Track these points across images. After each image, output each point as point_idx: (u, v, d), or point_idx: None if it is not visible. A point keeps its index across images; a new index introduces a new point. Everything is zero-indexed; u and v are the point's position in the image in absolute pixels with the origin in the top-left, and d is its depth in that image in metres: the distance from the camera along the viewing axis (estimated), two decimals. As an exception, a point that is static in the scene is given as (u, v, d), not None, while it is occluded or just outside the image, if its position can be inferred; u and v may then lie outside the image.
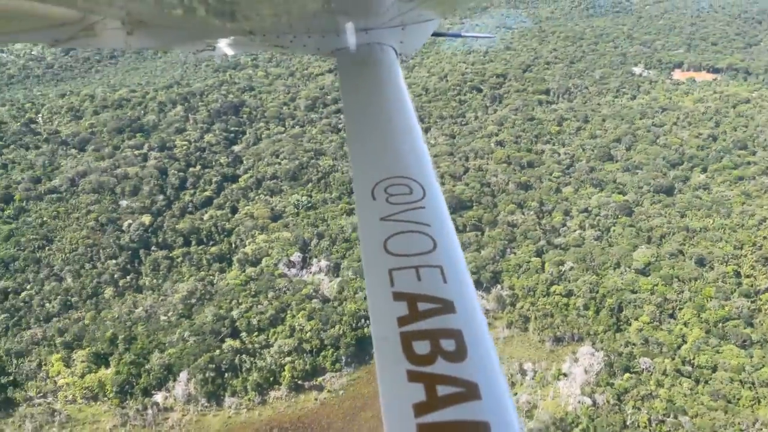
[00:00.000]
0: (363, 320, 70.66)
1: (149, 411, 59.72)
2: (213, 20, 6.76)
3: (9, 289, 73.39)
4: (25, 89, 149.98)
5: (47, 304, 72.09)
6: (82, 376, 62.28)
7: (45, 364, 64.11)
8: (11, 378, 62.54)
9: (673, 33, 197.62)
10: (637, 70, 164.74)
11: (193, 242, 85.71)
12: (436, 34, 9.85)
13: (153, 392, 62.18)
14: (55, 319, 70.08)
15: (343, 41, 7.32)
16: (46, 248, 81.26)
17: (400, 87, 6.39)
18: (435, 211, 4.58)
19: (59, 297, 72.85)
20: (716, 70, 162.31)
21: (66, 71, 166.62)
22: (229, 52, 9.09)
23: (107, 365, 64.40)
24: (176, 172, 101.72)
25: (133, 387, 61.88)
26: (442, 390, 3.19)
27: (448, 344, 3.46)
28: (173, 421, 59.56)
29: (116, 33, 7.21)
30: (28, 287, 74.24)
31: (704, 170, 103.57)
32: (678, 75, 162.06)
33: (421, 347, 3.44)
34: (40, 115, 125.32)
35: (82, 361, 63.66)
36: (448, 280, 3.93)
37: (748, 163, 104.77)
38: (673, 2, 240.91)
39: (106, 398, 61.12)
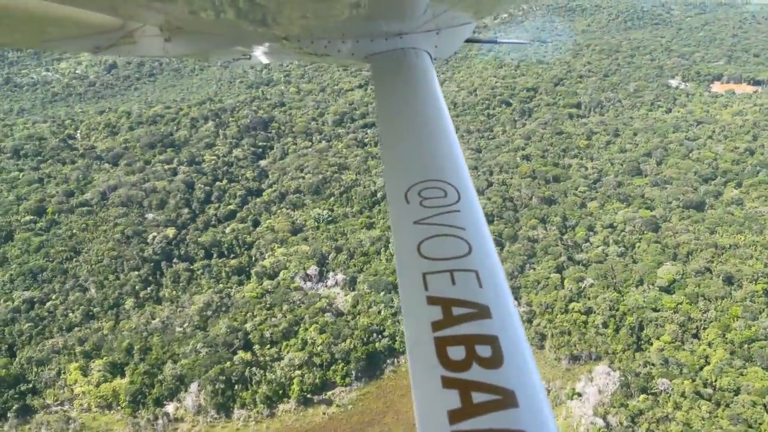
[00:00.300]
0: (375, 335, 70.47)
1: (160, 421, 60.60)
2: (248, 26, 6.88)
3: (35, 299, 75.74)
4: (67, 106, 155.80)
5: (70, 314, 74.15)
6: (98, 385, 63.66)
7: (64, 373, 65.82)
8: (30, 385, 64.38)
9: (714, 45, 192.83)
10: (673, 82, 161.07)
11: (215, 255, 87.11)
12: (471, 41, 9.79)
13: (165, 402, 63.08)
14: (76, 329, 71.96)
15: (377, 46, 7.36)
16: (74, 260, 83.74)
17: (435, 91, 6.36)
18: (470, 214, 4.52)
19: (82, 307, 74.83)
20: (757, 83, 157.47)
21: (107, 89, 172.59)
22: (264, 60, 9.31)
23: (123, 375, 65.71)
24: (203, 186, 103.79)
25: (145, 397, 62.90)
26: (477, 397, 3.11)
27: (483, 350, 3.39)
28: (182, 432, 60.27)
29: (155, 40, 7.49)
30: (54, 297, 76.50)
31: (738, 185, 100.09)
32: (717, 87, 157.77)
33: (456, 353, 3.37)
34: (78, 131, 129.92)
35: (99, 371, 65.12)
36: (484, 285, 3.86)
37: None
38: (715, 14, 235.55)
39: (119, 407, 62.29)
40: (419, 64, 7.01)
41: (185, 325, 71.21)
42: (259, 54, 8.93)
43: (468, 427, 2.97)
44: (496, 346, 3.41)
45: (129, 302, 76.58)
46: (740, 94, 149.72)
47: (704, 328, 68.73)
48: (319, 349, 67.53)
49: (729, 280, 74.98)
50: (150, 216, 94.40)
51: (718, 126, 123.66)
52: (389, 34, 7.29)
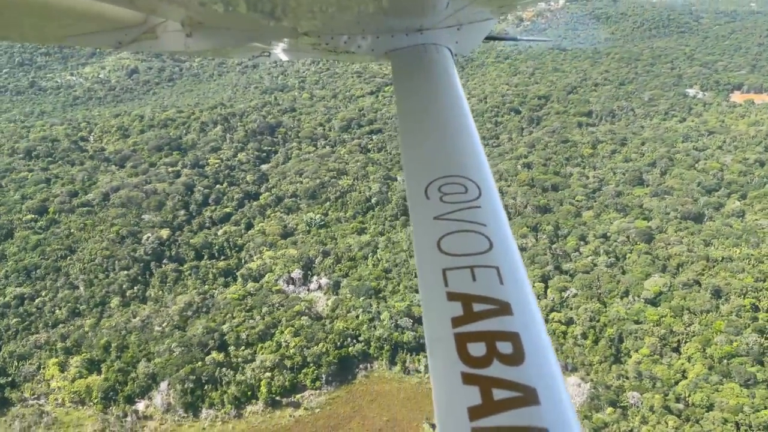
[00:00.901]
0: (350, 339, 70.50)
1: (129, 418, 61.59)
2: (268, 21, 7.01)
3: (25, 296, 77.95)
4: (86, 110, 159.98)
5: (57, 311, 76.10)
6: (73, 381, 65.11)
7: (43, 368, 67.51)
8: (10, 379, 66.20)
9: (739, 53, 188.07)
10: (691, 92, 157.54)
11: (205, 256, 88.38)
12: (491, 38, 9.86)
13: (136, 400, 64.19)
14: (60, 326, 73.80)
15: (397, 42, 7.36)
16: (68, 258, 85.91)
17: (456, 87, 6.39)
18: (491, 210, 4.51)
19: (69, 304, 76.76)
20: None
21: (126, 93, 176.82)
22: (284, 57, 9.34)
23: (99, 372, 67.06)
24: (202, 189, 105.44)
25: (117, 394, 64.07)
26: (498, 394, 3.13)
27: (504, 347, 3.39)
28: (149, 430, 61.16)
29: (176, 36, 7.66)
30: (44, 294, 78.57)
31: (743, 197, 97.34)
32: (736, 97, 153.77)
33: (477, 349, 3.39)
34: (92, 133, 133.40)
35: (76, 367, 66.65)
36: (505, 281, 3.86)
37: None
38: (743, 22, 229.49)
39: (92, 403, 63.52)
40: (440, 60, 6.98)
41: (164, 325, 72.38)
42: (279, 51, 9.02)
43: (488, 424, 2.99)
44: (517, 342, 3.40)
45: (115, 301, 78.19)
46: (760, 104, 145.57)
47: (686, 342, 66.98)
48: (291, 351, 67.88)
49: (717, 294, 72.91)
50: (146, 217, 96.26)
51: (729, 136, 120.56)
52: (409, 29, 7.27)
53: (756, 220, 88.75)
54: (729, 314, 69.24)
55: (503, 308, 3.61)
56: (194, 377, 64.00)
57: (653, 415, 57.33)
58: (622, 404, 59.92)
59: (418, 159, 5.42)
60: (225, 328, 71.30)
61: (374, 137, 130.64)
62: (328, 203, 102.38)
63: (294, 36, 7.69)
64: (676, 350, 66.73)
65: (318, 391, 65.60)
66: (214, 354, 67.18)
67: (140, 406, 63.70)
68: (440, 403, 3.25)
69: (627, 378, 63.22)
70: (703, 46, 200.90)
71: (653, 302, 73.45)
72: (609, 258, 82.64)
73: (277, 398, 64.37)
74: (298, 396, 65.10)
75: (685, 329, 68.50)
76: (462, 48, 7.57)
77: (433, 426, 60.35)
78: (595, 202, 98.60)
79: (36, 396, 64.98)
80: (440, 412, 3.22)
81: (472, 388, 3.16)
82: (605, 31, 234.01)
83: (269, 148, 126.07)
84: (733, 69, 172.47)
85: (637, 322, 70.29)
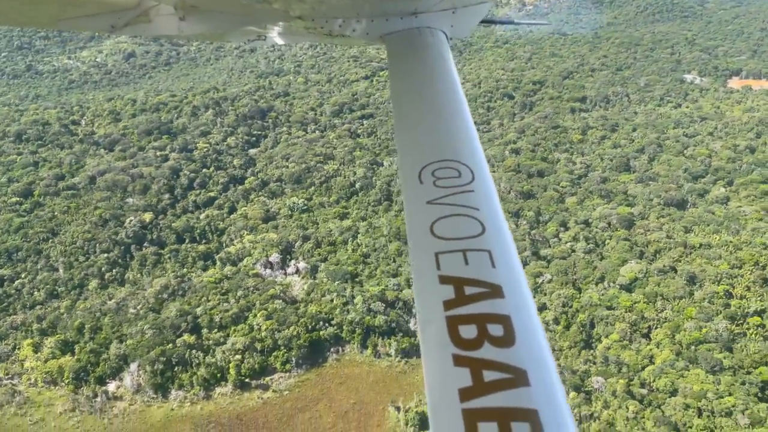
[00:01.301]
0: (322, 323, 70.85)
1: (99, 398, 62.36)
2: (262, 4, 7.03)
3: (5, 277, 78.77)
4: (81, 93, 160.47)
5: (36, 293, 76.94)
6: (46, 362, 65.96)
7: (18, 348, 68.38)
8: (-15, 359, 67.18)
9: (741, 39, 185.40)
10: (688, 77, 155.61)
11: (187, 240, 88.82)
12: (486, 21, 9.83)
13: (107, 381, 64.94)
14: (38, 307, 74.60)
15: (392, 25, 7.36)
16: (50, 241, 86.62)
17: (451, 71, 6.40)
18: (484, 194, 4.54)
19: (47, 286, 77.56)
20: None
21: (122, 77, 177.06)
22: (279, 41, 9.36)
23: (73, 353, 67.82)
24: (188, 173, 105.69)
25: (88, 375, 64.83)
26: (489, 375, 3.18)
27: (495, 329, 3.43)
28: (119, 410, 61.93)
29: (170, 19, 7.69)
30: (23, 276, 79.36)
31: (729, 183, 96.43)
32: (734, 83, 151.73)
33: (468, 331, 3.42)
34: (84, 117, 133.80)
35: (50, 348, 67.46)
36: (497, 265, 3.88)
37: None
38: (748, 7, 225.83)
39: (63, 383, 64.36)
40: (435, 43, 6.98)
41: (139, 307, 73.00)
42: (274, 35, 9.01)
43: (479, 405, 3.02)
44: (508, 325, 3.43)
45: (93, 283, 78.90)
46: (757, 90, 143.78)
47: (656, 328, 66.82)
48: (263, 335, 68.33)
49: (692, 280, 72.54)
50: (130, 201, 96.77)
51: (721, 123, 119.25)
52: (404, 12, 7.26)
53: (739, 207, 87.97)
54: (701, 301, 68.94)
55: (495, 291, 3.63)
56: (164, 359, 64.63)
57: (615, 400, 57.40)
58: (586, 389, 59.98)
59: (412, 143, 5.45)
60: (199, 310, 71.82)
61: (365, 122, 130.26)
62: (312, 188, 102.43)
63: (288, 19, 7.70)
64: (646, 336, 66.58)
65: (288, 374, 66.09)
66: (186, 336, 67.74)
67: (111, 386, 64.46)
68: (431, 385, 3.29)
69: (594, 363, 63.25)
70: (705, 31, 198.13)
71: (628, 288, 73.18)
72: (588, 244, 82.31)
73: (247, 380, 64.91)
74: (267, 378, 65.62)
75: (657, 315, 68.29)
76: (457, 32, 7.53)
77: (397, 409, 60.80)
78: (580, 188, 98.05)
79: (9, 376, 65.90)
80: (431, 393, 3.26)
81: (463, 370, 3.19)
82: (608, 15, 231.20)
83: (259, 132, 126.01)
84: (733, 54, 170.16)
85: (609, 308, 70.15)
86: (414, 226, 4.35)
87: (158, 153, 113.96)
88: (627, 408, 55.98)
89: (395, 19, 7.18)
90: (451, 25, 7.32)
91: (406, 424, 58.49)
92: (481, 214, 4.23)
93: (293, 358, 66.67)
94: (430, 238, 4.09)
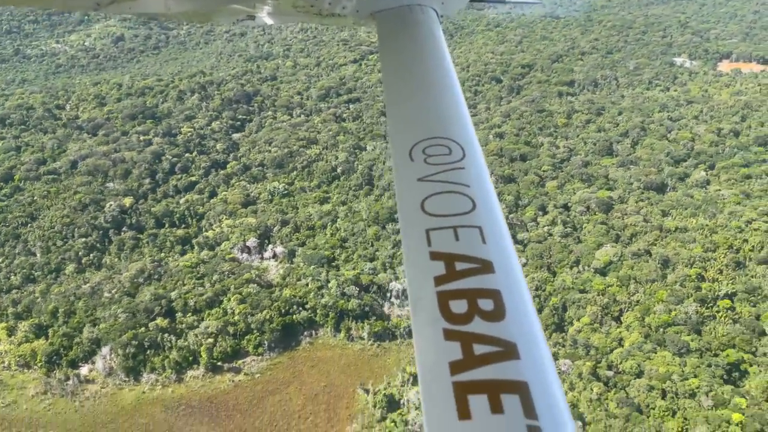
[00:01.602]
0: (295, 306, 71.08)
1: (71, 381, 62.72)
2: None
3: (-18, 262, 78.92)
4: (68, 78, 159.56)
5: (12, 277, 77.07)
6: (19, 345, 66.26)
7: (-7, 332, 68.67)
8: (-41, 343, 67.44)
9: (734, 21, 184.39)
10: (678, 60, 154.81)
11: (166, 225, 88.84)
12: (477, 0, 9.34)
13: (80, 364, 65.26)
14: (14, 291, 74.79)
15: (382, 3, 7.27)
16: (29, 225, 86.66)
17: (442, 49, 6.37)
18: (475, 171, 4.58)
19: (24, 271, 77.69)
20: (767, 61, 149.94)
21: (110, 61, 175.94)
22: (268, 21, 9.21)
23: (47, 336, 68.10)
24: (171, 157, 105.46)
25: (61, 358, 65.17)
26: (479, 349, 3.22)
27: (485, 304, 3.48)
28: (90, 393, 62.31)
29: None
30: (0, 260, 79.49)
31: (711, 167, 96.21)
32: (724, 66, 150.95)
33: (458, 306, 3.47)
34: (69, 102, 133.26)
35: (24, 331, 67.72)
36: (487, 241, 3.94)
37: (764, 160, 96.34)
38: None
39: (36, 367, 64.73)
40: (425, 20, 6.90)
41: (114, 291, 73.20)
42: (263, 14, 8.86)
43: (469, 378, 3.08)
44: (498, 299, 3.50)
45: (70, 268, 79.05)
46: (747, 73, 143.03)
47: (627, 311, 67.05)
48: (236, 318, 68.58)
49: (665, 264, 72.67)
50: (111, 185, 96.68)
51: (707, 106, 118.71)
52: None
53: (718, 190, 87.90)
54: (673, 284, 69.09)
55: (485, 266, 3.68)
56: (137, 342, 64.91)
57: (581, 382, 57.76)
58: (553, 372, 60.24)
59: (403, 121, 5.43)
60: (174, 295, 71.99)
61: (351, 106, 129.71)
62: (294, 173, 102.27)
63: None
64: (617, 319, 66.83)
65: (260, 357, 66.40)
66: (159, 320, 67.97)
67: (83, 370, 64.79)
68: (422, 359, 3.32)
69: (564, 346, 63.53)
70: (699, 13, 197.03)
71: (602, 272, 73.38)
72: (565, 228, 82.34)
73: (219, 364, 65.23)
74: (239, 362, 65.94)
75: (629, 298, 68.49)
76: (448, 9, 7.47)
77: (366, 391, 61.19)
78: (561, 172, 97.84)
79: (-17, 359, 66.31)
80: (422, 367, 3.28)
81: (453, 344, 3.21)
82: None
83: (244, 116, 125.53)
84: (725, 37, 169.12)
85: (582, 292, 70.37)
86: (405, 204, 4.37)
87: (141, 137, 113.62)
88: (591, 390, 56.35)
89: None
90: (442, 2, 7.24)
91: (374, 406, 58.88)
92: (471, 191, 4.26)
93: (266, 342, 66.95)
94: (421, 215, 4.13)
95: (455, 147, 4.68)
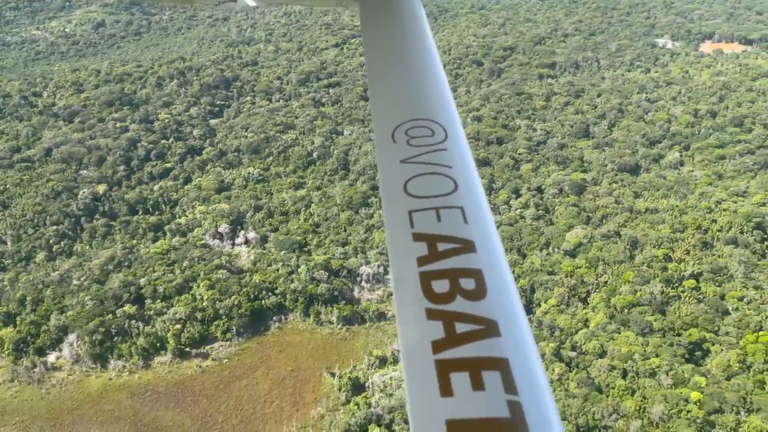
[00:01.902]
0: (264, 292, 71.14)
1: (37, 369, 62.80)
2: None
3: (-48, 251, 78.58)
4: (48, 65, 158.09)
5: (-18, 266, 76.86)
6: (-13, 333, 66.27)
7: (-39, 321, 68.54)
8: (-73, 332, 67.30)
9: (718, 2, 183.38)
10: (660, 41, 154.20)
11: (140, 212, 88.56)
12: None
13: (48, 352, 65.31)
14: (-17, 280, 74.63)
15: None
16: (0, 214, 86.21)
17: (425, 31, 6.32)
18: (457, 152, 4.60)
19: (-7, 259, 77.50)
20: (749, 42, 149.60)
21: (89, 47, 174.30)
22: (251, 3, 9.08)
23: (15, 324, 68.08)
24: (147, 144, 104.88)
25: (29, 346, 65.19)
26: (460, 327, 3.26)
27: (467, 283, 3.51)
28: (57, 380, 62.42)
29: None
30: (-30, 249, 79.28)
31: (686, 148, 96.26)
32: (706, 47, 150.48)
33: (441, 286, 3.51)
34: (46, 89, 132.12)
35: (-8, 319, 67.69)
36: (469, 221, 3.97)
37: (738, 141, 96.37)
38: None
39: (3, 354, 64.76)
40: (409, 2, 6.86)
41: (83, 279, 73.08)
42: None
43: (451, 356, 3.11)
44: (480, 278, 3.51)
45: (41, 256, 78.84)
46: (728, 54, 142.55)
47: (594, 292, 67.37)
48: (204, 304, 68.63)
49: (634, 245, 72.92)
50: (84, 173, 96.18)
51: (686, 87, 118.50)
52: None
53: (691, 171, 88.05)
54: (640, 265, 69.39)
55: (467, 246, 3.71)
56: (104, 329, 64.95)
57: (543, 363, 58.02)
58: (517, 354, 60.62)
59: (386, 103, 5.44)
60: (143, 281, 71.94)
61: (331, 91, 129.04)
62: (270, 158, 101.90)
63: None
64: (584, 300, 67.15)
65: (228, 343, 66.56)
66: (127, 307, 67.99)
67: (51, 357, 64.87)
68: (405, 339, 3.35)
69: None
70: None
71: (572, 254, 73.60)
72: (538, 210, 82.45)
73: (187, 349, 65.39)
74: (207, 347, 66.11)
75: (596, 280, 68.78)
76: None
77: (332, 375, 61.47)
78: (537, 155, 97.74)
79: (-49, 348, 66.23)
80: (405, 347, 3.31)
81: (435, 323, 3.26)
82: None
83: (222, 102, 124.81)
84: (708, 18, 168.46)
85: (551, 273, 70.62)
86: (388, 185, 4.38)
87: (118, 124, 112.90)
88: (553, 371, 56.72)
89: None
90: None
91: (340, 390, 59.19)
92: (453, 172, 4.28)
93: (234, 327, 67.06)
94: (404, 196, 4.16)
95: (438, 128, 4.72)
